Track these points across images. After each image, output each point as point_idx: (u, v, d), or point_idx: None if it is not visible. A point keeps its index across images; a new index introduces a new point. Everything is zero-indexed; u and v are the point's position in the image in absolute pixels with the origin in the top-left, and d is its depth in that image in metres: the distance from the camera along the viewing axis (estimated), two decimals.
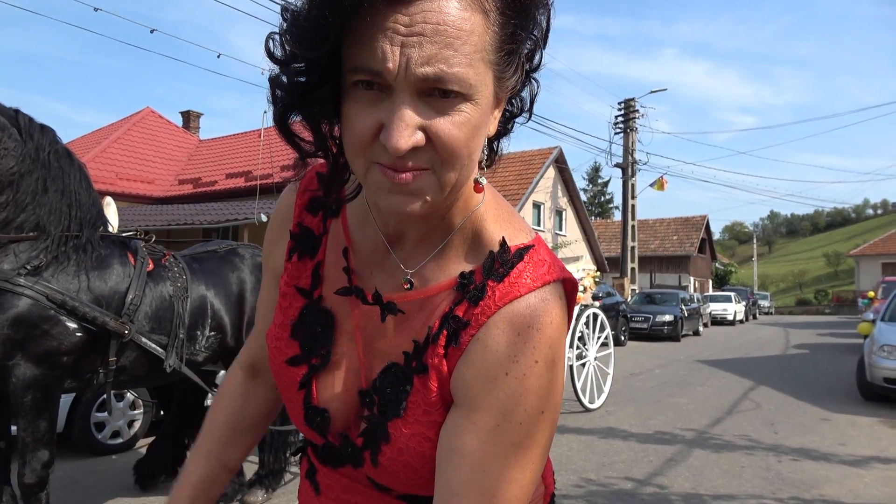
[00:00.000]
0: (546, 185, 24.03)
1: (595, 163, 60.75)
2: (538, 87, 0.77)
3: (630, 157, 24.22)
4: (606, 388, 8.12)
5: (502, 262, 0.76)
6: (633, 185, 24.46)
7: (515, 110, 0.78)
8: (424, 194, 0.67)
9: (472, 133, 0.66)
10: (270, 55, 0.68)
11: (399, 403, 0.77)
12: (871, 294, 18.86)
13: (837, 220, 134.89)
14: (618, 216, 40.77)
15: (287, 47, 0.67)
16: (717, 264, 47.62)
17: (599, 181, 58.60)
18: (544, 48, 0.73)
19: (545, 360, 0.72)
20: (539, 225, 23.77)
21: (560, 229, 25.55)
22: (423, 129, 0.64)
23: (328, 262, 0.86)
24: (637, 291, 23.50)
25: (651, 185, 25.13)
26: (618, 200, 41.56)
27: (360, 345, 0.83)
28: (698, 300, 23.72)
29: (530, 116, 0.79)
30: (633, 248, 24.33)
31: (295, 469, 4.44)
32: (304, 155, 0.75)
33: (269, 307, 0.96)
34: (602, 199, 59.08)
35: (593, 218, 40.50)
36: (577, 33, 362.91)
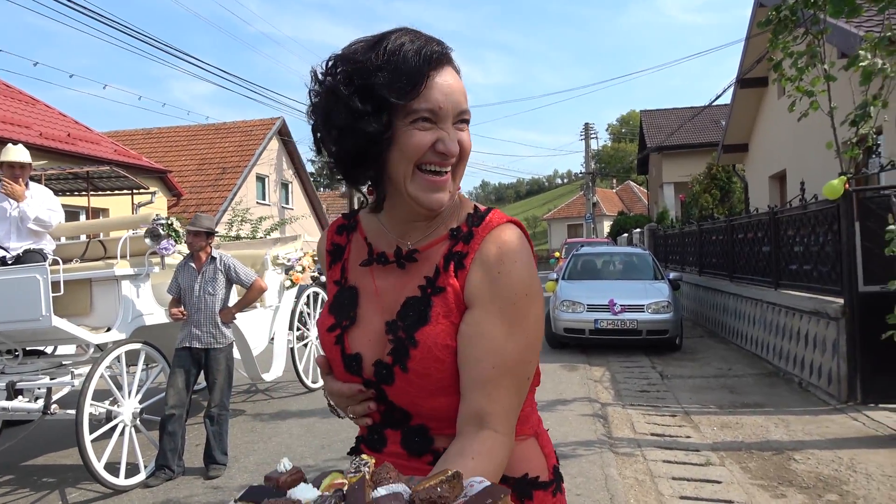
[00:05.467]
0: (270, 157, 23.21)
1: None
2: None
3: None
4: None
5: (478, 216, 1.12)
6: None
7: None
8: (448, 189, 1.07)
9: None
10: (356, 111, 1.01)
11: (424, 316, 1.05)
12: (558, 254, 21.98)
13: (535, 189, 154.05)
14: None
15: (366, 103, 1.01)
16: None
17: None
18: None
19: (521, 261, 1.06)
20: (264, 199, 22.89)
21: (287, 203, 24.99)
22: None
23: (351, 258, 1.21)
24: None
25: None
26: None
27: (379, 298, 1.13)
28: None
29: None
30: None
31: None
32: (353, 184, 1.17)
33: None
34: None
35: (322, 189, 40.25)
36: (302, 3, 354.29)
